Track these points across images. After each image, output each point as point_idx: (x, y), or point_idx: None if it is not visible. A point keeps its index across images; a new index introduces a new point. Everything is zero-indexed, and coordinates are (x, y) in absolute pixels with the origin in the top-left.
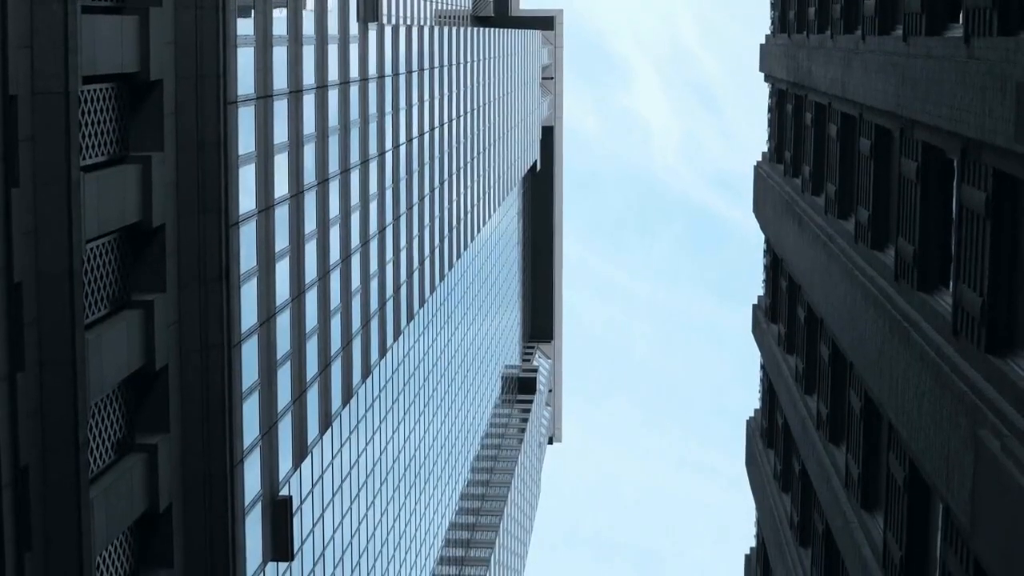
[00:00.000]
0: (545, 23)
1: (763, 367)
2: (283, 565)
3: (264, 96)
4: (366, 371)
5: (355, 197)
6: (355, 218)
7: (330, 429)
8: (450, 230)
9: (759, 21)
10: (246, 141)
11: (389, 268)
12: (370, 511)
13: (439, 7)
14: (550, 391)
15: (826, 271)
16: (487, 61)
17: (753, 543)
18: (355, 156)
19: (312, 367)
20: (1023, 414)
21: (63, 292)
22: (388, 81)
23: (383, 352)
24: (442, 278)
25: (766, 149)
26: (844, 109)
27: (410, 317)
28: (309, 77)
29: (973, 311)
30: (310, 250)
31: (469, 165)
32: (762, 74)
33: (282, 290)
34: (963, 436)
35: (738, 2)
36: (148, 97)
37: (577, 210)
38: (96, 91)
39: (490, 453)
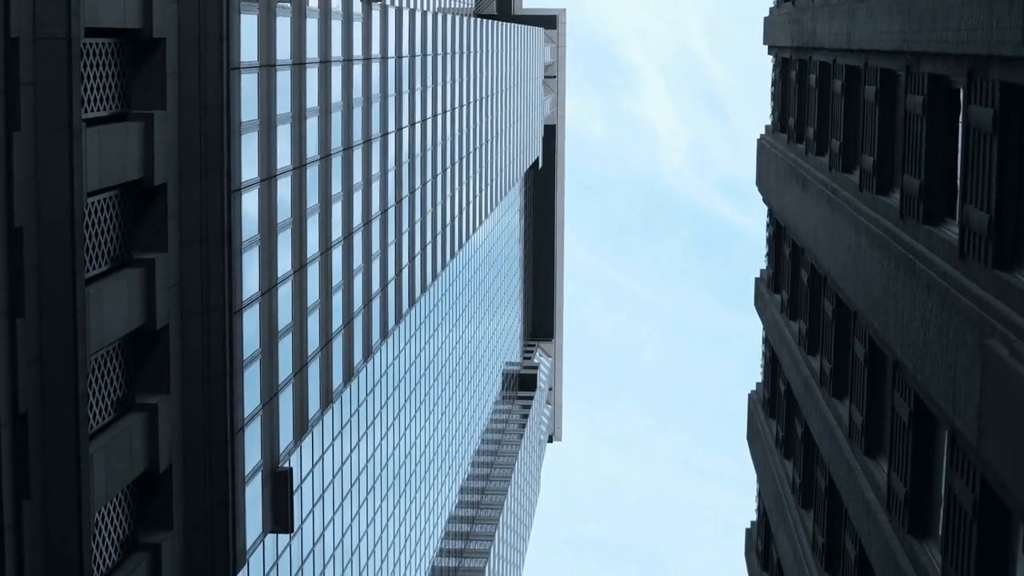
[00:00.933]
0: (548, 22)
1: (765, 340)
2: (283, 542)
3: (267, 65)
4: (367, 352)
5: (357, 176)
6: (357, 197)
7: (332, 411)
8: (452, 219)
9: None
10: (249, 108)
11: (391, 250)
12: (370, 496)
13: (442, 4)
14: (550, 389)
15: (830, 224)
16: (489, 53)
17: (755, 541)
18: (358, 135)
19: (313, 342)
20: None
21: (64, 239)
22: (391, 63)
23: (385, 334)
24: (444, 267)
25: (769, 123)
26: (849, 62)
27: (411, 303)
28: (312, 51)
29: (980, 229)
30: (312, 224)
31: (470, 155)
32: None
33: (284, 262)
34: (970, 352)
35: (747, 9)
36: (151, 55)
37: (586, 215)
38: (98, 45)
39: (490, 448)
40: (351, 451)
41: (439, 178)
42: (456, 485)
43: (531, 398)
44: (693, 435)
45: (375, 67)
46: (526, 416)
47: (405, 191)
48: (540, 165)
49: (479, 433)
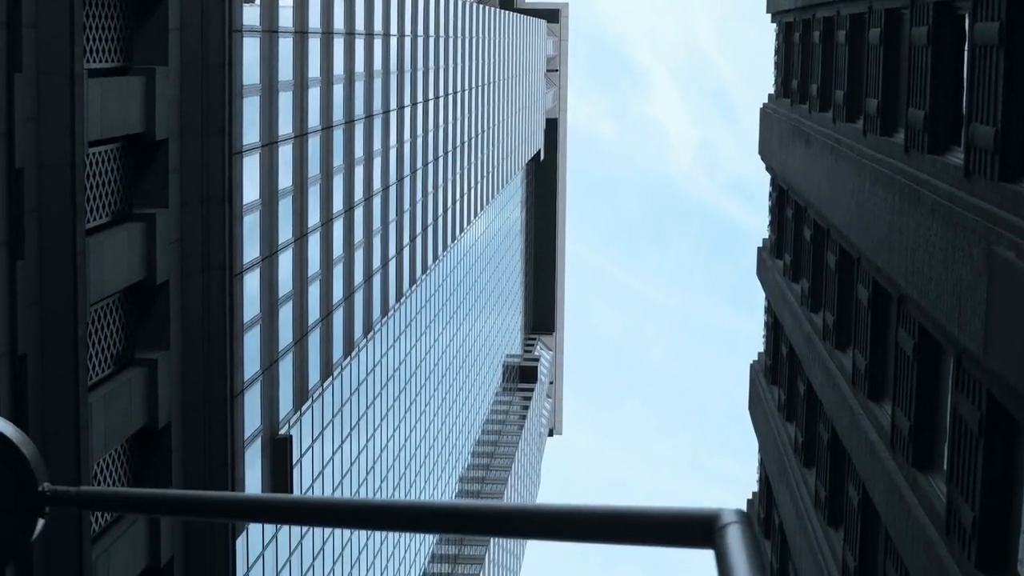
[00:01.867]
0: (550, 15)
1: (767, 309)
2: None
3: (269, 30)
4: (367, 327)
5: (359, 150)
6: (359, 171)
7: (332, 390)
8: (453, 203)
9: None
10: (250, 72)
11: (392, 228)
12: (369, 475)
13: None
14: (551, 383)
15: (833, 175)
16: (491, 39)
17: (756, 510)
18: (360, 109)
19: (314, 312)
20: None
21: (65, 184)
22: (394, 41)
23: (385, 311)
24: (445, 249)
25: (772, 91)
26: (853, 11)
27: (412, 281)
28: (314, 21)
29: (986, 144)
30: (313, 194)
31: (472, 140)
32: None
33: (285, 229)
34: (976, 265)
35: (756, 11)
36: (154, 9)
37: (596, 215)
38: None
39: (490, 439)
40: (351, 430)
41: (440, 160)
42: (456, 474)
43: (532, 390)
44: (699, 436)
45: (377, 43)
46: (527, 408)
47: (406, 170)
48: (542, 157)
49: (479, 423)
